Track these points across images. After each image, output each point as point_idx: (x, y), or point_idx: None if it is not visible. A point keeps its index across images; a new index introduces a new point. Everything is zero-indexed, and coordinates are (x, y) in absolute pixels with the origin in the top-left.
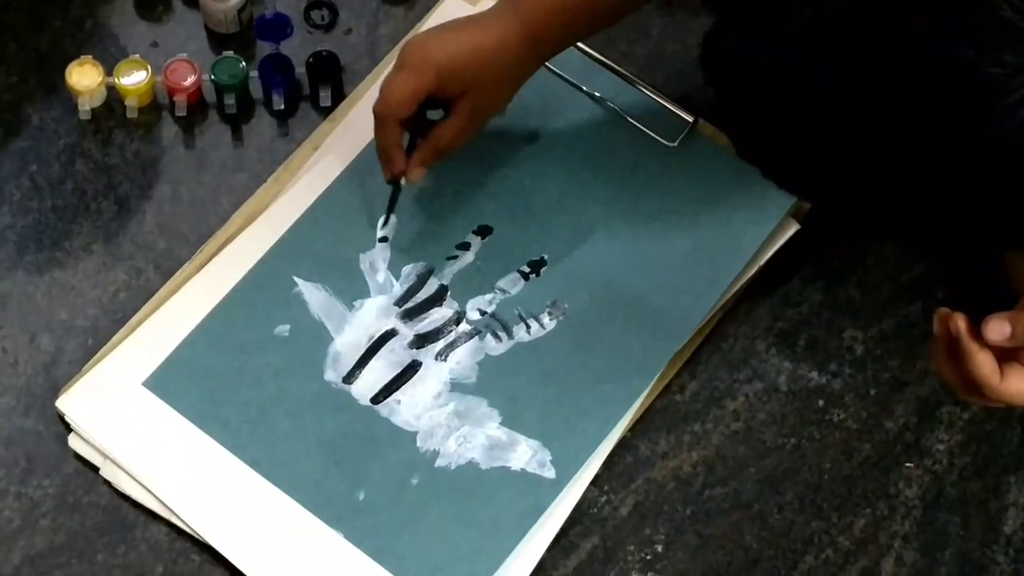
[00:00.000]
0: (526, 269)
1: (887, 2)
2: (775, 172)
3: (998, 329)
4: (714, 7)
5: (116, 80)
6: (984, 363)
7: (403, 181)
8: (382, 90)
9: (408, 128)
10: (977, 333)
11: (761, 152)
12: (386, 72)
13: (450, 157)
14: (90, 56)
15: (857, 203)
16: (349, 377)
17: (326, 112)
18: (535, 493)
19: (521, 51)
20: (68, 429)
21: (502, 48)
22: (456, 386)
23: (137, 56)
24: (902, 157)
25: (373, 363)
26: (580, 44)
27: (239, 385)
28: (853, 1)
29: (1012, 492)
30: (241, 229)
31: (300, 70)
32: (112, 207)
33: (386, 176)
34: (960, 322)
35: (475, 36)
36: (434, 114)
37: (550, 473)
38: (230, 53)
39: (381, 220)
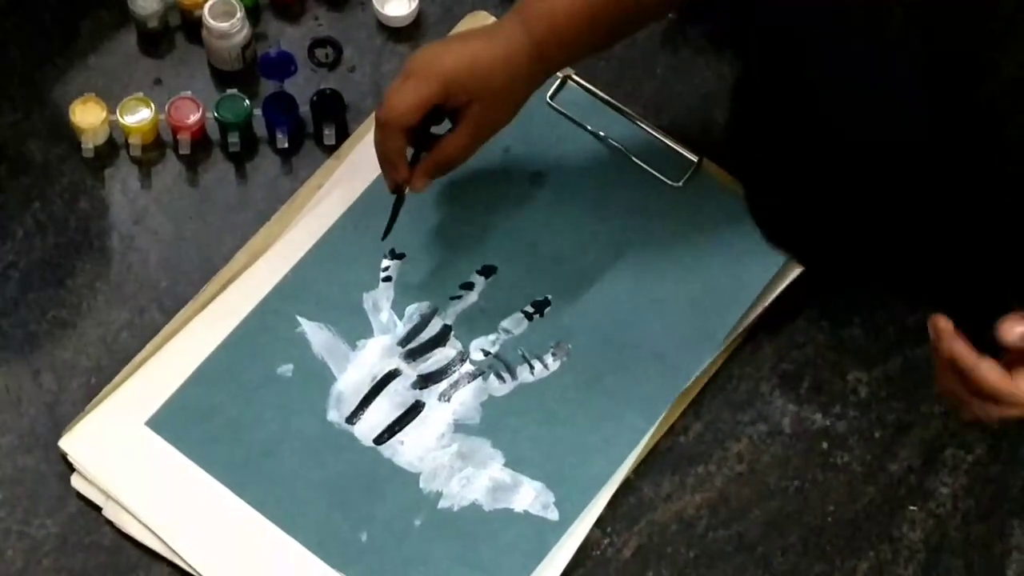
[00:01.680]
0: (530, 309)
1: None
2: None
3: (1011, 330)
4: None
5: (119, 118)
6: (991, 371)
7: (407, 191)
8: (386, 97)
9: (412, 140)
10: (972, 346)
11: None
12: None
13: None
14: (93, 94)
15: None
16: (352, 417)
17: (330, 150)
18: (538, 535)
19: (528, 62)
20: (71, 469)
21: (509, 58)
22: (459, 427)
23: (141, 94)
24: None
25: (376, 403)
26: (585, 83)
27: (242, 425)
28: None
29: (1016, 536)
30: (244, 268)
31: (304, 108)
32: (115, 246)
33: (389, 185)
34: (954, 343)
35: (482, 46)
36: (438, 130)
37: (553, 515)
38: (234, 91)
39: (385, 228)
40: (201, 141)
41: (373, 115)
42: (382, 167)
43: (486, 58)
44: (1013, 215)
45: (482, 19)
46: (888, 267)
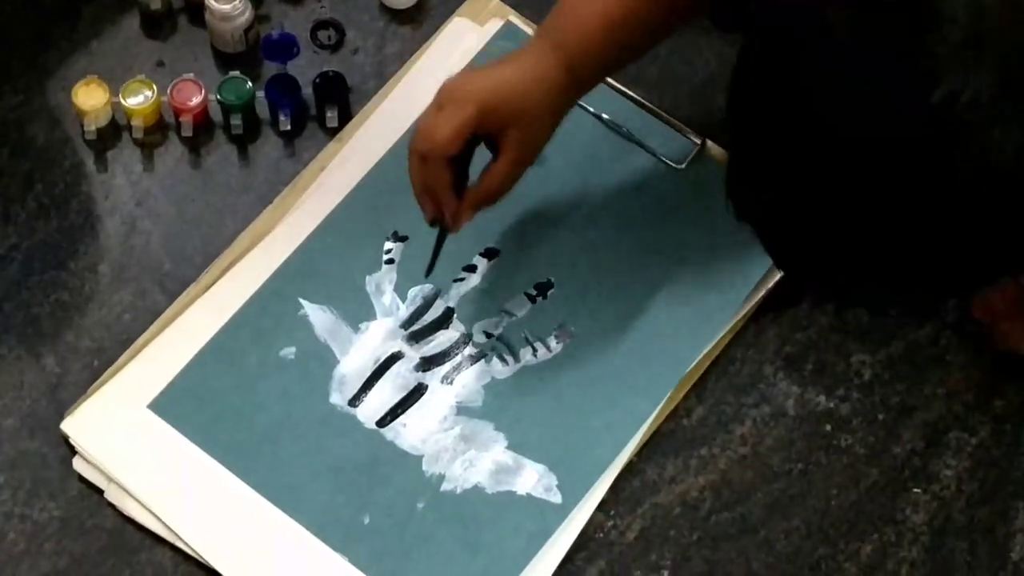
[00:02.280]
0: (533, 292)
1: None
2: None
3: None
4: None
5: (122, 100)
6: None
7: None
8: (422, 130)
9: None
10: None
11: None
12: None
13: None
14: (96, 76)
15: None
16: (355, 400)
17: (333, 133)
18: (541, 518)
19: (560, 80)
20: (73, 451)
21: (541, 78)
22: (462, 409)
23: (143, 76)
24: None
25: (379, 386)
26: None
27: (244, 408)
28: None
29: (1020, 518)
30: (247, 250)
31: (307, 90)
32: (118, 228)
33: (428, 218)
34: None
35: (512, 69)
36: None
37: (556, 498)
38: (236, 73)
39: (427, 266)
40: (203, 123)
41: (376, 97)
42: (420, 201)
43: (518, 81)
44: (997, 215)
45: (484, 2)
46: (856, 271)
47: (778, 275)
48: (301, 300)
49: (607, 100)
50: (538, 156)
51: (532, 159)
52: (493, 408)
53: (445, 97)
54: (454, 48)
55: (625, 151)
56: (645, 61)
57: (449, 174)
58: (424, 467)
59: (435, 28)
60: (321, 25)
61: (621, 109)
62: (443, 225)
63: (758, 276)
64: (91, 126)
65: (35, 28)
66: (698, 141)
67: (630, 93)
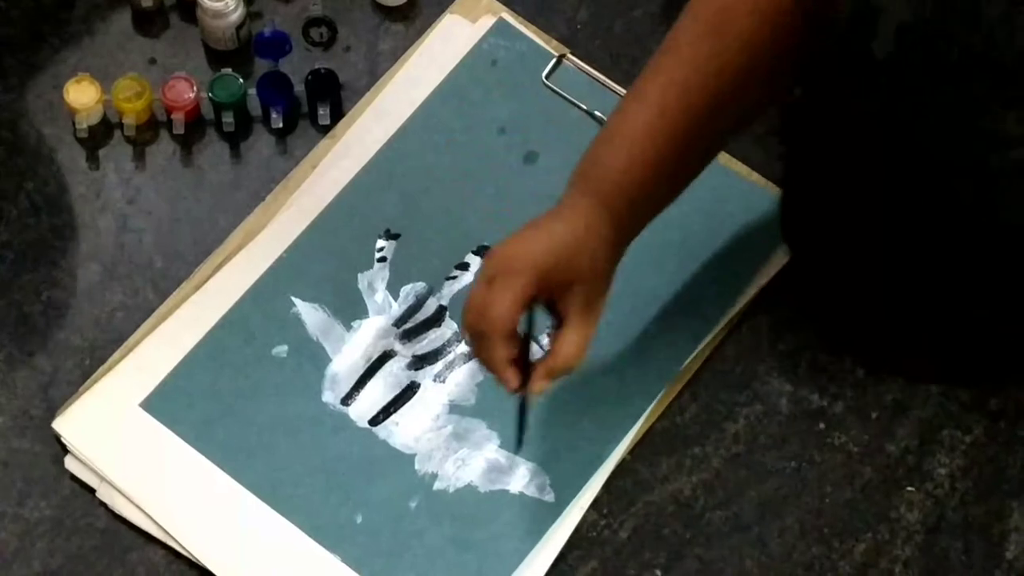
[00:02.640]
0: None
1: None
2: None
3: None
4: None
5: (113, 98)
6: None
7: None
8: (476, 306)
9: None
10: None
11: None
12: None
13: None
14: (87, 74)
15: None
16: (347, 399)
17: (325, 130)
18: (534, 517)
19: (609, 233)
20: (64, 450)
21: (590, 232)
22: (455, 408)
23: (135, 74)
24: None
25: (371, 384)
26: (581, 63)
27: (236, 406)
28: None
29: (1015, 517)
30: (239, 248)
31: (299, 88)
32: (109, 226)
33: (508, 389)
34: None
35: (560, 228)
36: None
37: (549, 496)
38: (228, 70)
39: (515, 438)
40: (195, 121)
41: (368, 94)
42: (494, 374)
43: (568, 237)
44: None
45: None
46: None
47: (771, 273)
48: (293, 298)
49: (599, 97)
50: (600, 316)
51: (597, 320)
52: (486, 407)
53: (495, 268)
54: (447, 45)
55: None
56: (639, 58)
57: (510, 349)
58: (417, 466)
59: (427, 25)
60: (313, 22)
61: (613, 106)
62: (522, 398)
63: (752, 274)
64: (83, 124)
65: (27, 25)
66: None
67: (623, 91)
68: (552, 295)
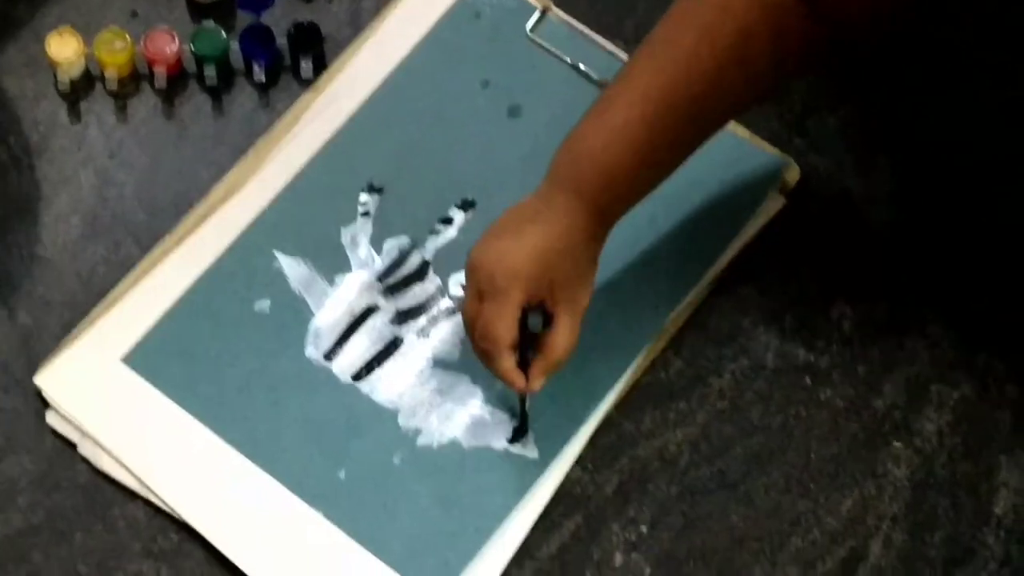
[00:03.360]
0: None
1: None
2: None
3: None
4: None
5: (95, 51)
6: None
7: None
8: (476, 325)
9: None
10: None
11: None
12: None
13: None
14: (69, 27)
15: None
16: (330, 354)
17: (308, 83)
18: (518, 473)
19: (589, 227)
20: (46, 406)
21: (570, 234)
22: (438, 363)
23: (117, 27)
24: None
25: (354, 339)
26: (565, 16)
27: (219, 361)
28: None
29: (1003, 473)
30: (221, 202)
31: (281, 41)
32: (91, 180)
33: (517, 390)
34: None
35: (541, 235)
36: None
37: (533, 453)
38: (210, 23)
39: (514, 429)
40: (178, 74)
41: (351, 47)
42: (499, 378)
43: (556, 246)
44: None
45: None
46: None
47: (758, 227)
48: (276, 252)
49: (584, 51)
50: (587, 305)
51: (585, 308)
52: (470, 361)
53: (484, 285)
54: None
55: None
56: (623, 11)
57: (513, 357)
58: (400, 421)
59: None
60: None
61: (599, 60)
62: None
63: (739, 228)
64: (64, 77)
65: None
66: None
67: (607, 45)
68: (541, 299)
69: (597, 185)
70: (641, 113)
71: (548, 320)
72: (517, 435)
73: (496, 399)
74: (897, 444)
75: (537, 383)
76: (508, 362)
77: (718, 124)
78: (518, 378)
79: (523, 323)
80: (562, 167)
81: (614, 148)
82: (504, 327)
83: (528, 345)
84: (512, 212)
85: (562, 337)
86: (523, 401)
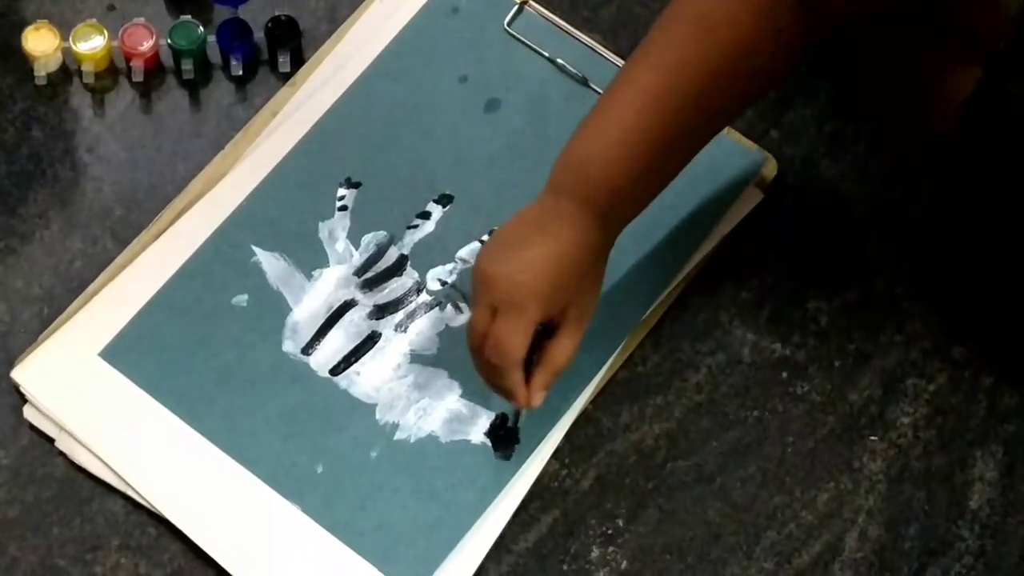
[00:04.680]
0: (487, 239)
1: None
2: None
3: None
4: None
5: (72, 45)
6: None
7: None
8: (489, 339)
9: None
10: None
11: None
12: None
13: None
14: (46, 20)
15: None
16: (308, 348)
17: (285, 77)
18: (495, 466)
19: (598, 240)
20: (23, 400)
21: (581, 249)
22: (416, 357)
23: (94, 20)
24: None
25: (332, 334)
26: (543, 9)
27: (196, 356)
28: None
29: (978, 466)
30: (199, 197)
31: (259, 35)
32: (68, 174)
33: (517, 406)
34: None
35: (552, 250)
36: None
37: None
38: (188, 17)
39: (500, 439)
40: (155, 68)
41: (328, 42)
42: (500, 394)
43: (565, 259)
44: None
45: None
46: None
47: (734, 222)
48: (253, 247)
49: (562, 45)
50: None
51: (589, 320)
52: (447, 356)
53: (497, 298)
54: None
55: (580, 96)
56: (601, 4)
57: (522, 373)
58: (378, 416)
59: None
60: None
61: (576, 54)
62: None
63: (715, 222)
64: (41, 71)
65: None
66: None
67: (585, 39)
68: (553, 317)
69: (604, 193)
70: (646, 117)
71: (548, 333)
72: (506, 446)
73: (473, 394)
74: (873, 438)
75: (539, 397)
76: (517, 376)
77: (721, 125)
78: (523, 394)
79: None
80: (567, 175)
81: (620, 154)
82: (519, 343)
83: (530, 360)
84: (519, 223)
85: (566, 348)
86: (518, 414)
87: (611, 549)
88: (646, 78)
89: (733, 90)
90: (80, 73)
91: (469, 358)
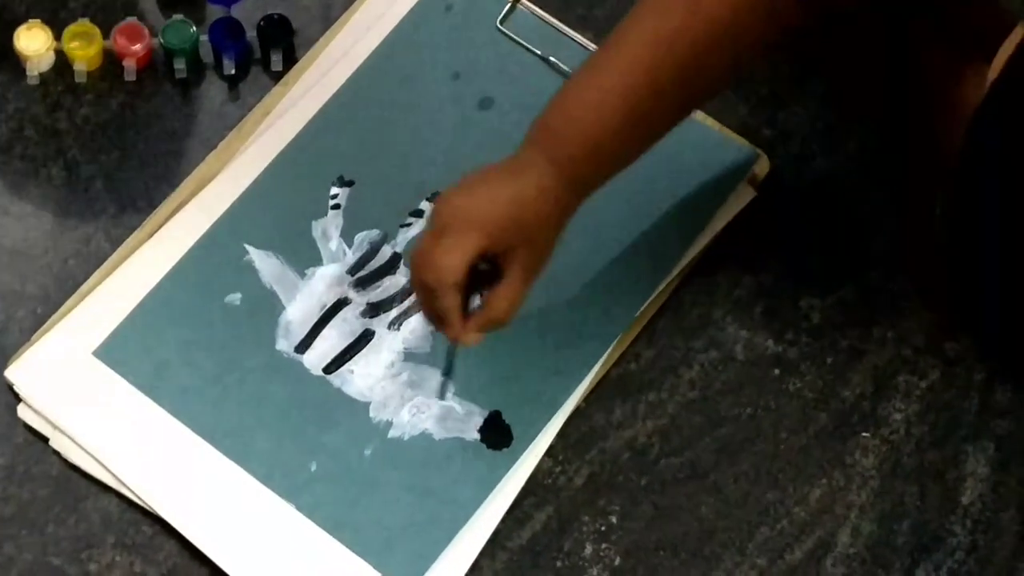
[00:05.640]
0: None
1: None
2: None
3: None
4: None
5: (65, 44)
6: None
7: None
8: (426, 259)
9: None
10: None
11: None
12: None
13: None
14: (38, 20)
15: None
16: (301, 347)
17: (278, 77)
18: (489, 464)
19: (561, 195)
20: (17, 399)
21: (542, 196)
22: (409, 355)
23: (86, 20)
24: None
25: (325, 332)
26: (535, 8)
27: (190, 354)
28: None
29: (970, 462)
30: (192, 196)
31: (251, 34)
32: (62, 173)
33: (449, 338)
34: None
35: (513, 189)
36: None
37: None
38: (180, 17)
39: (439, 382)
40: (147, 68)
41: (321, 41)
42: (433, 324)
43: (520, 200)
44: None
45: None
46: None
47: (727, 219)
48: (247, 246)
49: (555, 43)
50: (542, 272)
51: (537, 277)
52: (441, 354)
53: (445, 221)
54: None
55: None
56: (594, 2)
57: (457, 299)
58: (371, 414)
59: None
60: None
61: (569, 52)
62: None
63: (709, 219)
64: (34, 71)
65: None
66: None
67: (578, 37)
68: (496, 252)
69: (579, 154)
70: (631, 85)
71: (498, 276)
72: (443, 387)
73: (466, 392)
74: (865, 434)
75: (471, 337)
76: (450, 302)
77: (704, 98)
78: (457, 322)
79: (472, 277)
80: (543, 132)
81: (599, 118)
82: (454, 265)
83: (468, 298)
84: (488, 167)
85: (509, 295)
86: (452, 352)
87: (604, 545)
88: (635, 47)
89: (720, 65)
90: (73, 72)
91: (462, 356)
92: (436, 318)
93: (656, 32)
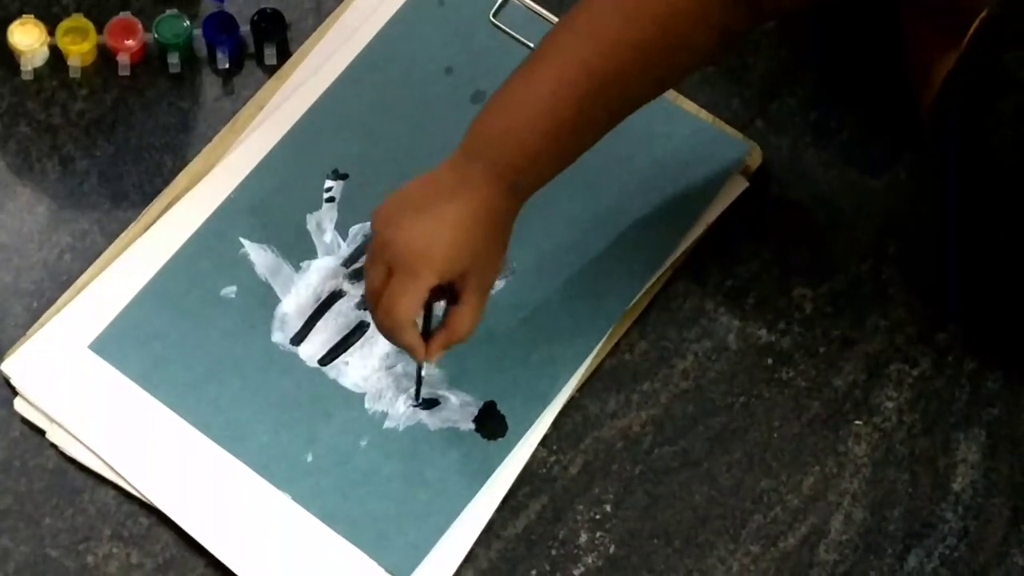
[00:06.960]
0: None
1: None
2: None
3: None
4: None
5: (58, 40)
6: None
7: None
8: (379, 303)
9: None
10: None
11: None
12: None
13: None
14: (32, 15)
15: None
16: (296, 339)
17: (271, 70)
18: (484, 454)
19: (506, 207)
20: (14, 392)
21: (487, 213)
22: None
23: (79, 15)
24: None
25: (320, 324)
26: (529, 2)
27: (185, 347)
28: None
29: (961, 449)
30: (187, 189)
31: (245, 28)
32: (56, 168)
33: (416, 360)
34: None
35: (455, 215)
36: None
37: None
38: (174, 11)
39: (412, 393)
40: (141, 62)
41: (314, 35)
42: (401, 348)
43: (467, 223)
44: None
45: None
46: None
47: (720, 210)
48: (241, 239)
49: (540, 32)
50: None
51: (491, 289)
52: None
53: (391, 261)
54: None
55: None
56: None
57: (415, 333)
58: (367, 404)
59: None
60: None
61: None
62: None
63: (701, 210)
64: (27, 66)
65: None
66: None
67: None
68: (451, 281)
69: (517, 162)
70: (565, 89)
71: (454, 297)
72: (416, 398)
73: (461, 382)
74: (857, 422)
75: (436, 355)
76: (409, 337)
77: (641, 102)
78: (419, 347)
79: (428, 300)
80: (480, 141)
81: (539, 127)
82: (408, 307)
83: (430, 316)
84: (424, 184)
85: (467, 316)
86: (420, 369)
87: (599, 534)
88: (573, 49)
89: (663, 66)
90: (67, 67)
91: (457, 347)
92: (406, 349)
93: (596, 34)
